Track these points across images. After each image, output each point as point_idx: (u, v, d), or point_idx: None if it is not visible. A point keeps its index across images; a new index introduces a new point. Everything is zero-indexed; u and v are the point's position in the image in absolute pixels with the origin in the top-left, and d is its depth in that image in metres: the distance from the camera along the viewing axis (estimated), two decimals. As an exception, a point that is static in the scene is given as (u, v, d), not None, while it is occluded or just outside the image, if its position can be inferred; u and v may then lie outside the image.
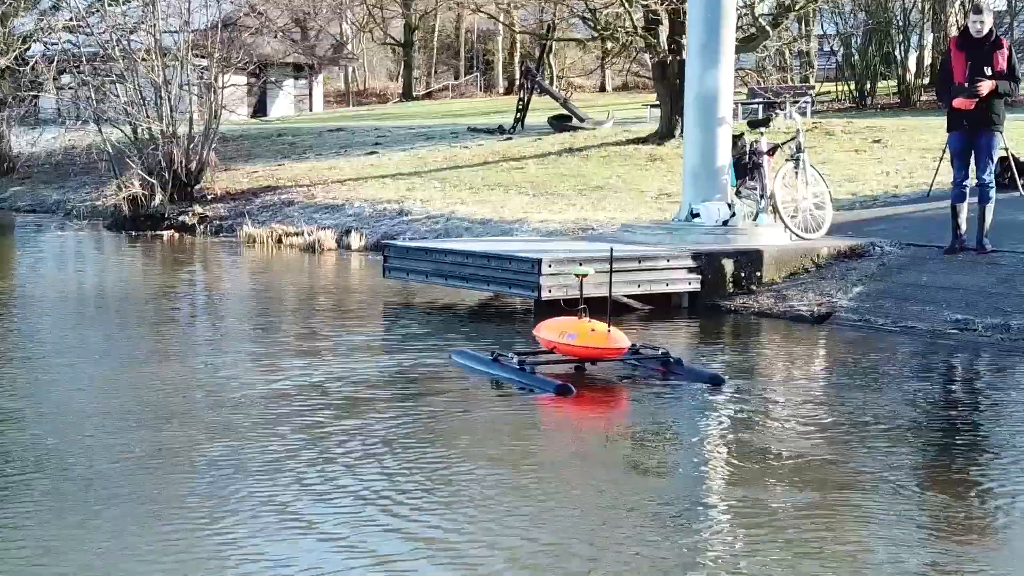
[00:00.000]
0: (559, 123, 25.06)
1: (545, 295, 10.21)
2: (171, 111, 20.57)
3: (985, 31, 10.75)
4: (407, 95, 48.77)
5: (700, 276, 10.87)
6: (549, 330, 8.10)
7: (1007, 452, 6.16)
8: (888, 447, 6.18)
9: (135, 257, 16.44)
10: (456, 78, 55.86)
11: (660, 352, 8.02)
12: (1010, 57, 10.84)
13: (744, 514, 5.14)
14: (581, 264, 8.95)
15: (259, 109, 42.52)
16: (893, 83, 27.79)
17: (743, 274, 11.01)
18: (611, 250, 8.90)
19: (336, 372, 7.92)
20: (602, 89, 47.66)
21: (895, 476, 5.66)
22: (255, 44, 39.13)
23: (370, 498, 5.26)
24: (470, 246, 11.38)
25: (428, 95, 51.34)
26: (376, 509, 5.13)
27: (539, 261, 10.18)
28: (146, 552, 4.63)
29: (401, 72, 52.34)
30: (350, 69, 53.34)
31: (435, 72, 56.55)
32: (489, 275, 10.70)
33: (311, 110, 45.27)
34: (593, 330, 7.79)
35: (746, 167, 12.17)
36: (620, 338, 7.79)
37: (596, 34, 22.86)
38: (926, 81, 27.90)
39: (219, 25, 21.49)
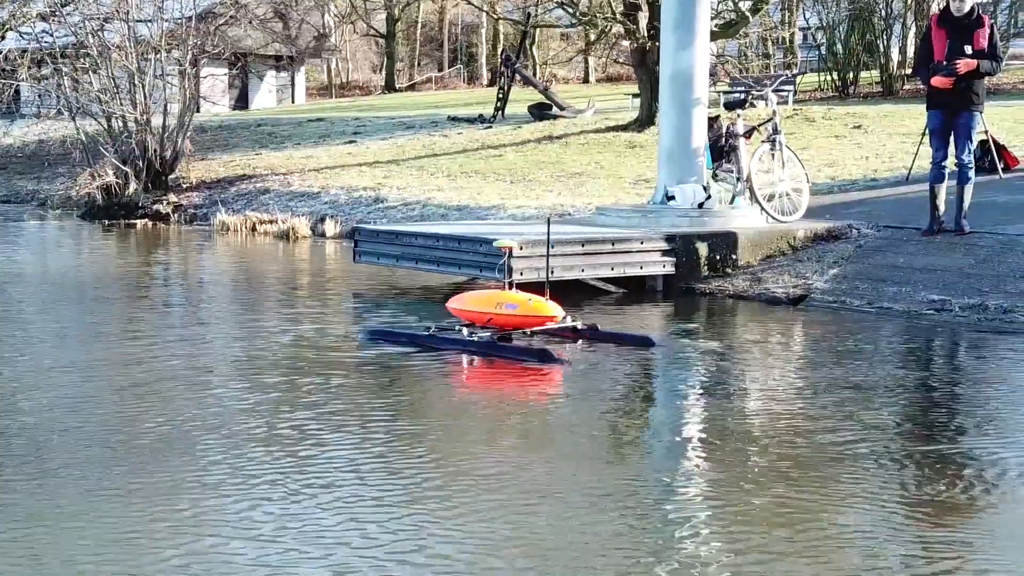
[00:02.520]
0: (539, 112, 24.84)
1: (516, 278, 10.01)
2: (145, 100, 20.30)
3: (966, 9, 10.57)
4: (389, 87, 48.50)
5: (675, 259, 10.69)
6: (478, 303, 8.29)
7: (985, 433, 5.99)
8: (862, 428, 6.00)
9: (102, 246, 16.17)
10: (439, 70, 55.61)
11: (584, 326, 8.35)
12: (991, 36, 10.66)
13: (718, 502, 4.96)
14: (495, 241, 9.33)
15: (241, 101, 42.23)
16: (876, 73, 27.62)
17: (718, 257, 10.83)
18: (548, 220, 8.88)
19: (305, 356, 7.73)
20: (585, 80, 47.44)
21: (871, 456, 5.49)
22: (235, 36, 38.98)
23: (366, 490, 5.02)
24: (440, 229, 11.18)
25: (411, 87, 51.08)
26: (364, 503, 4.93)
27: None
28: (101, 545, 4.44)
29: (384, 64, 52.03)
30: (333, 61, 53.04)
31: (418, 64, 56.29)
32: (460, 258, 10.49)
33: (293, 102, 44.97)
34: (531, 300, 8.12)
35: (722, 149, 11.99)
36: (556, 307, 8.11)
37: (575, 20, 22.63)
38: (909, 71, 27.73)
39: (193, 13, 21.19)
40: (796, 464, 5.34)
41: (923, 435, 5.89)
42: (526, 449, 5.66)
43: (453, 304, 8.45)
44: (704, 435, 5.97)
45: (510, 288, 8.40)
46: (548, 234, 8.82)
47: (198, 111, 35.28)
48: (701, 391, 7.00)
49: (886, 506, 4.79)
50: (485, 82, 49.85)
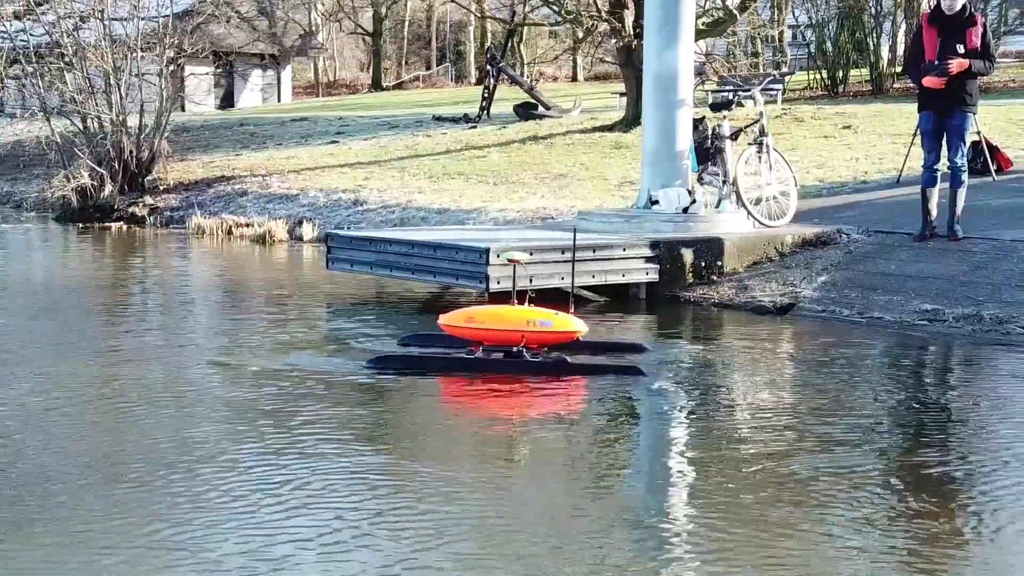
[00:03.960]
0: (525, 111, 24.45)
1: (493, 286, 9.66)
2: (121, 100, 19.88)
3: (958, 7, 10.21)
4: (376, 85, 48.06)
5: (658, 266, 10.33)
6: (501, 321, 7.49)
7: (977, 450, 5.64)
8: (849, 446, 5.65)
9: (69, 251, 15.77)
10: (427, 68, 55.17)
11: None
12: (984, 34, 10.31)
13: (703, 517, 4.61)
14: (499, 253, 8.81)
15: (226, 100, 41.76)
16: (866, 71, 27.27)
17: (703, 263, 10.47)
18: (575, 231, 8.39)
19: (270, 368, 7.35)
20: (574, 79, 47.05)
21: (858, 473, 5.14)
22: (219, 34, 38.52)
23: (345, 505, 4.78)
24: (416, 235, 10.79)
25: (399, 85, 50.65)
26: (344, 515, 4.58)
27: (487, 251, 9.62)
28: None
29: (371, 62, 51.60)
30: (320, 60, 52.58)
31: (406, 62, 55.83)
32: (435, 266, 10.12)
33: (279, 101, 44.50)
34: (558, 315, 7.53)
35: (708, 152, 11.62)
36: (580, 322, 7.58)
37: (560, 19, 22.26)
38: (899, 69, 27.38)
39: (170, 12, 20.78)
40: (781, 487, 4.98)
41: (910, 459, 5.53)
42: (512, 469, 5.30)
43: (457, 323, 7.59)
44: (686, 460, 5.61)
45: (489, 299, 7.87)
46: (574, 245, 8.25)
47: (183, 110, 34.99)
48: (679, 411, 6.63)
49: (878, 531, 4.44)
50: (473, 80, 49.41)
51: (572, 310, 7.69)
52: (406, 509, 4.79)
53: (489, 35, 48.23)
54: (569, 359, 7.46)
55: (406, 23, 54.61)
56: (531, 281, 9.77)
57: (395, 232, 11.48)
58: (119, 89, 19.91)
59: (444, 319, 7.71)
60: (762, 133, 11.39)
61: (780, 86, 25.09)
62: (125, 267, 13.85)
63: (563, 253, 9.84)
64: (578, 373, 7.37)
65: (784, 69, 28.94)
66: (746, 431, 6.07)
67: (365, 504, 4.87)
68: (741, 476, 5.25)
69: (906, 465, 5.49)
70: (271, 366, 7.48)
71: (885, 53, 27.80)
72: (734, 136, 11.64)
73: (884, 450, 5.71)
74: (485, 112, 25.71)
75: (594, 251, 10.07)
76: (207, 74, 36.10)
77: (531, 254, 9.55)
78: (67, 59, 20.21)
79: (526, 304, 7.62)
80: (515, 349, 7.39)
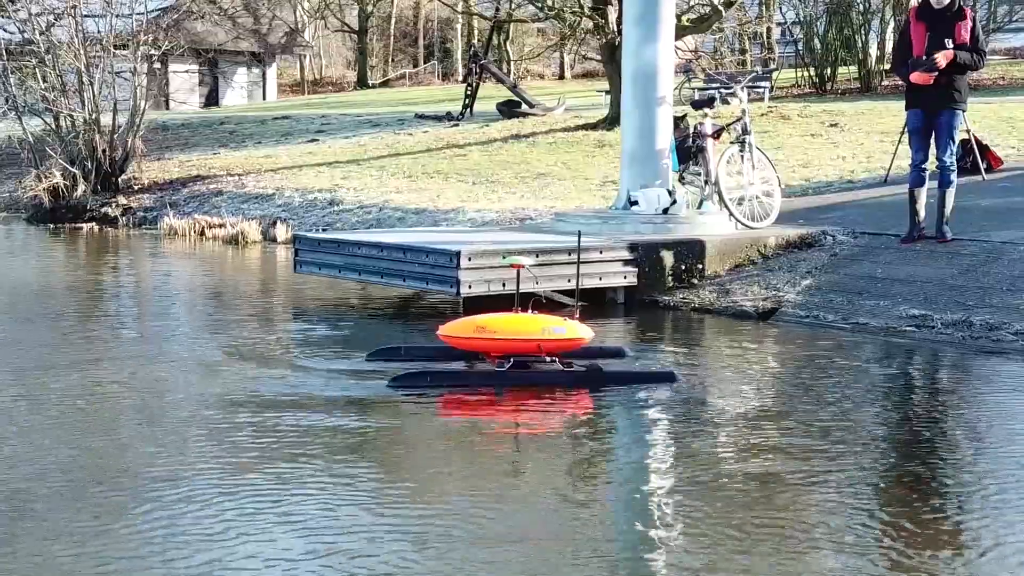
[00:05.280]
0: (508, 109, 24.09)
1: (464, 291, 9.29)
2: (95, 99, 19.46)
3: (946, 1, 9.86)
4: (362, 83, 47.64)
5: (636, 269, 9.96)
6: (516, 329, 7.01)
7: (965, 466, 5.28)
8: (832, 460, 5.28)
9: (34, 253, 15.36)
10: (414, 66, 54.74)
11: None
12: (974, 28, 9.95)
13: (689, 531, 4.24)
14: (505, 255, 8.37)
15: (211, 98, 41.32)
16: (854, 68, 26.94)
17: (683, 267, 10.10)
18: (579, 234, 8.02)
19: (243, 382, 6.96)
20: (561, 76, 46.69)
21: (842, 488, 4.79)
22: (203, 32, 38.08)
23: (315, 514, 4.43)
24: (385, 237, 10.40)
25: (385, 83, 50.23)
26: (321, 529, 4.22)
27: (458, 254, 9.25)
28: None
29: (356, 60, 51.17)
30: (306, 57, 52.12)
31: (392, 60, 55.40)
32: (405, 270, 9.74)
33: (264, 99, 44.06)
34: (566, 320, 7.14)
35: (689, 151, 11.27)
36: (586, 328, 7.18)
37: (543, 15, 21.90)
38: (887, 66, 27.04)
39: (144, 10, 20.37)
40: (766, 503, 4.62)
41: (896, 476, 5.17)
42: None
43: (465, 333, 7.08)
44: (664, 474, 5.24)
45: (463, 306, 7.37)
46: (579, 247, 7.83)
47: (167, 108, 34.55)
48: (656, 422, 6.27)
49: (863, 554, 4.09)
50: (460, 78, 48.94)
51: (577, 315, 7.31)
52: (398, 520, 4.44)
53: (476, 32, 47.83)
54: (604, 368, 7.10)
55: (392, 20, 54.17)
56: (504, 286, 9.42)
57: (364, 234, 11.09)
58: (92, 87, 19.48)
59: (446, 330, 7.16)
60: (744, 132, 11.03)
61: (767, 83, 24.77)
62: (86, 271, 13.43)
63: (537, 256, 9.50)
64: (612, 383, 7.00)
65: (772, 66, 28.57)
66: (726, 444, 5.70)
67: (343, 520, 4.57)
68: (723, 490, 4.88)
69: (891, 482, 5.13)
70: (228, 380, 7.10)
71: (873, 50, 27.46)
72: (716, 135, 11.28)
73: (868, 466, 5.34)
74: (468, 110, 25.35)
75: (569, 254, 9.67)
76: (185, 71, 35.65)
77: (537, 256, 9.32)
78: (39, 57, 19.77)
79: (529, 310, 7.21)
80: (549, 359, 6.99)
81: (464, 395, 6.83)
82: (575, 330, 7.11)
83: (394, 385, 6.82)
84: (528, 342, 6.97)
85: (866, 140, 16.36)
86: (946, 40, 9.80)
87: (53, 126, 19.96)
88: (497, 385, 6.90)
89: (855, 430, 5.96)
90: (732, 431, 6.01)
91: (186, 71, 34.62)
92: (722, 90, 12.72)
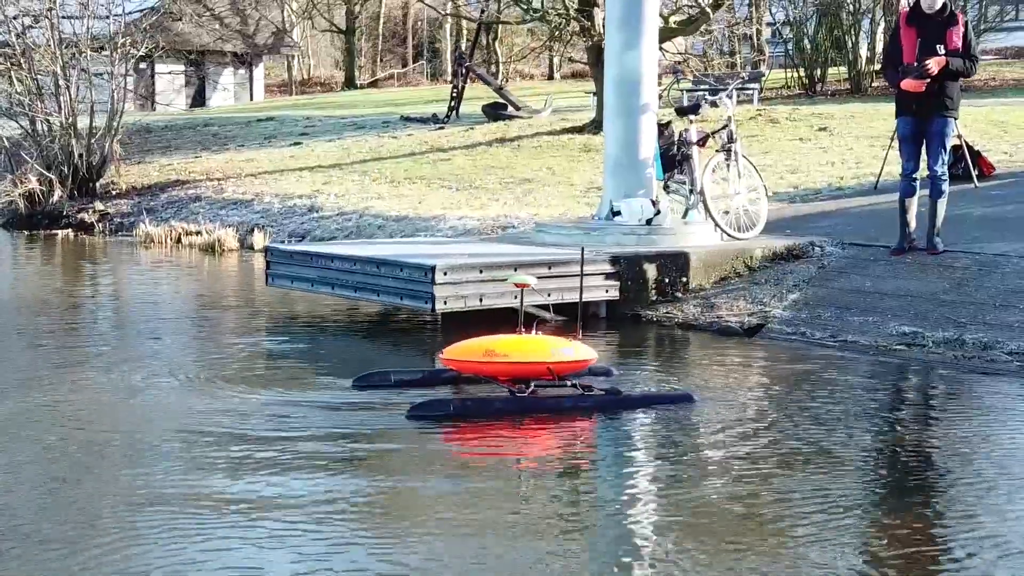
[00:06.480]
0: (494, 112, 23.72)
1: (440, 307, 8.98)
2: (71, 102, 19.10)
3: (938, 5, 9.55)
4: (350, 83, 47.25)
5: (619, 283, 9.65)
6: (525, 352, 6.75)
7: (956, 500, 4.98)
8: (816, 486, 4.98)
9: (10, 261, 15.00)
10: (403, 66, 54.37)
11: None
12: (966, 34, 9.64)
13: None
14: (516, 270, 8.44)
15: (198, 99, 40.91)
16: (844, 69, 26.65)
17: (667, 280, 9.79)
18: (582, 250, 7.71)
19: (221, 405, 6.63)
20: (550, 76, 46.33)
21: (829, 515, 4.50)
22: (189, 33, 37.68)
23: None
24: (359, 250, 10.06)
25: (373, 83, 49.86)
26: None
27: (433, 268, 8.93)
28: None
29: (343, 60, 50.80)
30: (294, 58, 51.72)
31: (381, 60, 55.03)
32: (379, 284, 9.42)
33: (252, 99, 43.66)
34: (571, 340, 6.98)
35: (674, 159, 10.96)
36: (588, 349, 7.05)
37: (528, 17, 21.58)
38: (878, 66, 26.74)
39: (122, 12, 20.02)
40: (751, 528, 4.32)
41: (884, 512, 4.87)
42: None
43: (473, 357, 6.81)
44: (650, 497, 4.94)
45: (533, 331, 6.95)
46: (582, 263, 7.69)
47: (153, 109, 34.15)
48: (641, 446, 5.97)
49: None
50: (449, 78, 48.61)
51: (580, 335, 7.08)
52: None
53: (465, 32, 47.49)
54: (623, 391, 6.86)
55: (381, 20, 53.79)
56: (481, 300, 9.13)
57: (338, 247, 10.75)
58: (69, 91, 19.13)
59: (451, 354, 6.88)
60: (730, 139, 10.72)
61: (757, 85, 24.45)
62: (52, 282, 13.07)
63: (516, 270, 9.19)
64: (632, 407, 6.74)
65: (762, 68, 28.24)
66: (713, 468, 5.40)
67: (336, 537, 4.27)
68: (712, 515, 4.59)
69: (880, 512, 4.83)
70: (198, 400, 6.77)
71: (864, 51, 27.18)
72: (702, 142, 10.98)
73: (856, 495, 5.04)
74: (454, 112, 25.01)
75: (549, 267, 9.38)
76: (168, 73, 35.27)
77: (549, 267, 9.22)
78: (14, 60, 19.41)
79: (534, 331, 6.93)
80: (571, 383, 6.79)
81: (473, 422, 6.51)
82: (582, 351, 6.91)
83: (415, 415, 6.48)
84: (539, 365, 6.75)
85: (856, 145, 16.05)
86: (937, 46, 9.51)
87: (29, 130, 19.59)
88: (520, 412, 6.61)
89: (843, 457, 5.65)
90: (719, 455, 5.74)
91: (169, 72, 34.18)
92: (708, 96, 12.37)
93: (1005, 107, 18.43)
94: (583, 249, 8.26)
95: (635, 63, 10.65)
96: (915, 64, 9.50)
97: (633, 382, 7.39)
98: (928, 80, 9.46)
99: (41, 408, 6.68)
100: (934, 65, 9.41)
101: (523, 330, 6.92)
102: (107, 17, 19.73)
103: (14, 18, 19.98)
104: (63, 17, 19.50)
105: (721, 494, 5.17)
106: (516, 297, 8.97)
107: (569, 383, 6.83)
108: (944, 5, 9.57)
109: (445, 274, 8.94)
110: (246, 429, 6.18)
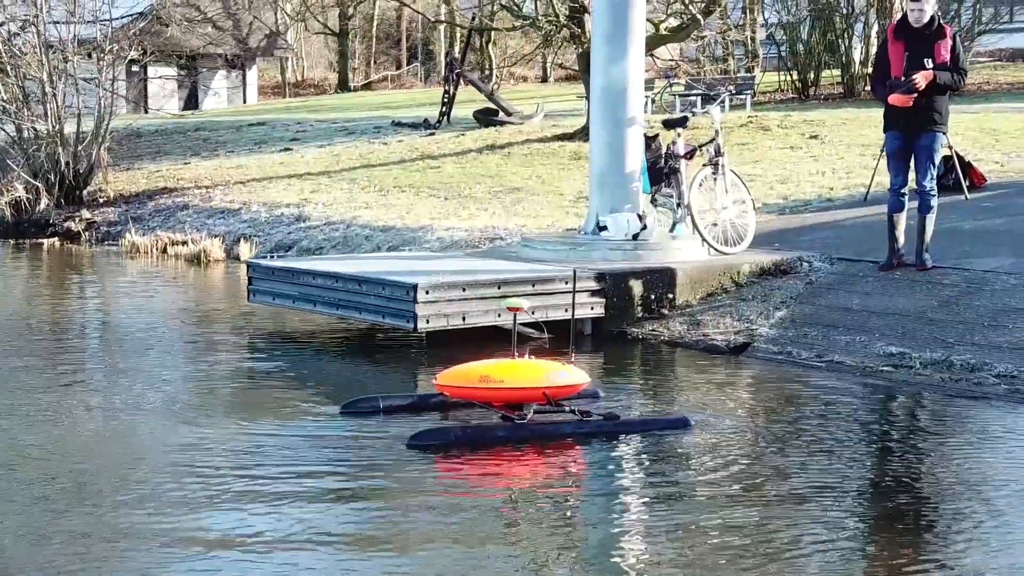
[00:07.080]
0: (485, 117, 23.62)
1: (422, 326, 8.87)
2: (58, 109, 18.97)
3: (925, 19, 9.44)
4: (343, 86, 47.11)
5: (604, 300, 9.54)
6: (521, 378, 6.64)
7: (944, 529, 4.87)
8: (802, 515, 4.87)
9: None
10: (397, 68, 54.25)
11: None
12: (954, 47, 9.53)
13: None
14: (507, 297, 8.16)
15: (191, 102, 40.77)
16: (837, 72, 26.56)
17: (653, 296, 9.68)
18: (574, 272, 7.61)
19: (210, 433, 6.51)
20: (544, 79, 46.23)
21: (818, 540, 4.40)
22: (181, 36, 37.51)
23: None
24: (341, 267, 9.93)
25: (367, 85, 49.74)
26: None
27: (415, 287, 8.82)
28: None
29: (336, 62, 50.66)
30: (288, 60, 51.57)
31: (374, 62, 54.89)
32: (361, 302, 9.30)
33: (245, 102, 43.53)
34: (565, 364, 6.89)
35: (661, 172, 10.86)
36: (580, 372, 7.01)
37: (519, 24, 21.47)
38: (871, 70, 26.60)
39: (109, 18, 19.89)
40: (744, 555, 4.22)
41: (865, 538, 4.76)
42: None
43: (469, 383, 6.67)
44: (636, 523, 4.83)
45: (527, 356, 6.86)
46: (574, 284, 7.71)
47: (146, 112, 34.01)
48: (629, 477, 5.86)
49: None
50: (442, 80, 48.48)
51: (573, 357, 6.98)
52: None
53: (459, 34, 47.34)
54: (620, 416, 6.79)
55: (375, 22, 53.65)
56: (464, 319, 9.02)
57: (320, 262, 10.61)
58: (56, 97, 19.00)
59: (444, 379, 6.74)
60: (718, 153, 10.62)
61: (750, 90, 24.35)
62: (39, 295, 12.95)
63: (499, 288, 9.09)
64: (628, 431, 6.66)
65: (754, 73, 28.12)
66: (700, 491, 5.29)
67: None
68: (701, 535, 4.49)
69: (867, 542, 4.72)
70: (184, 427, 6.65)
71: (857, 55, 27.09)
72: (689, 155, 10.88)
73: (843, 522, 4.93)
74: (445, 118, 24.90)
75: (533, 285, 9.27)
76: (159, 77, 35.13)
77: (533, 285, 9.17)
78: (0, 66, 19.29)
79: (527, 356, 6.83)
80: (570, 408, 6.71)
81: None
82: (575, 375, 6.83)
83: (415, 444, 6.36)
84: (535, 390, 6.66)
85: (847, 154, 15.95)
86: (925, 60, 9.41)
87: (16, 137, 19.47)
88: (519, 438, 6.49)
89: (828, 484, 5.54)
90: (707, 479, 5.68)
91: (159, 77, 34.04)
92: (699, 105, 12.27)
93: (998, 114, 18.34)
94: (575, 271, 8.18)
95: (622, 74, 10.54)
96: (903, 79, 9.40)
97: (621, 404, 7.28)
98: (916, 95, 9.36)
99: (21, 442, 6.56)
100: (922, 80, 9.30)
101: (517, 354, 6.81)
102: (94, 22, 19.57)
103: (0, 24, 19.87)
104: (50, 22, 19.35)
105: (711, 522, 5.07)
106: (501, 316, 8.96)
107: (567, 408, 6.73)
108: (932, 19, 9.47)
109: (427, 292, 8.83)
110: (243, 462, 6.04)
